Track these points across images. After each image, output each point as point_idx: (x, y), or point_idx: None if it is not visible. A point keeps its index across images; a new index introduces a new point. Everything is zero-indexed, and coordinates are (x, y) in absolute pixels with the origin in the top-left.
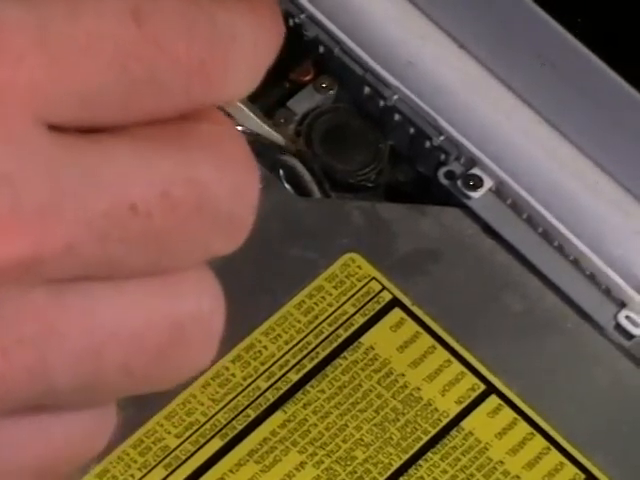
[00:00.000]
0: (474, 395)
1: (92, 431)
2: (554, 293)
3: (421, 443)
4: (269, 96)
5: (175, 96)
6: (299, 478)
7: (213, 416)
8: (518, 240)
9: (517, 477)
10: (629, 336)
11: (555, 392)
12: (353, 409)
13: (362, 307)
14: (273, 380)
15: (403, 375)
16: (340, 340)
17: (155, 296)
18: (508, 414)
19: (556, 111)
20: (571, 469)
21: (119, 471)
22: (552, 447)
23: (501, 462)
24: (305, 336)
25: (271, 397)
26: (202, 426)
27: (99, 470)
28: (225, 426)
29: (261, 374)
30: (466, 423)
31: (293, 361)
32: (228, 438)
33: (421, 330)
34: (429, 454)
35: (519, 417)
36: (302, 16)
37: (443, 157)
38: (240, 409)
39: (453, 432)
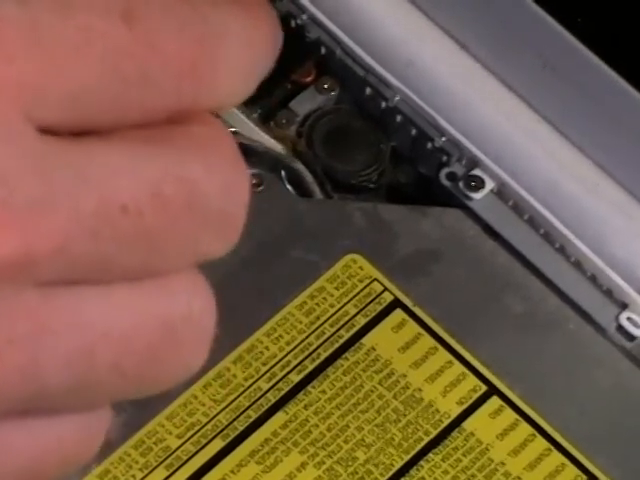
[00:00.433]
0: (475, 396)
1: (85, 435)
2: (555, 294)
3: (422, 444)
4: (271, 97)
5: (166, 96)
6: (300, 479)
7: (214, 417)
8: (519, 241)
9: (518, 478)
10: (631, 337)
11: (556, 393)
12: (354, 410)
13: (363, 308)
14: (274, 381)
15: (404, 376)
16: (341, 341)
17: (146, 297)
18: (509, 415)
19: (557, 112)
20: (572, 470)
21: (120, 472)
22: (553, 448)
23: (502, 463)
24: (306, 337)
25: (272, 398)
26: (203, 427)
27: (100, 471)
28: (226, 427)
29: (262, 375)
30: (467, 424)
31: (294, 362)
32: (229, 439)
33: (422, 331)
34: (430, 455)
35: (520, 418)
36: (304, 17)
37: (445, 158)
38: (241, 410)
39: (454, 433)
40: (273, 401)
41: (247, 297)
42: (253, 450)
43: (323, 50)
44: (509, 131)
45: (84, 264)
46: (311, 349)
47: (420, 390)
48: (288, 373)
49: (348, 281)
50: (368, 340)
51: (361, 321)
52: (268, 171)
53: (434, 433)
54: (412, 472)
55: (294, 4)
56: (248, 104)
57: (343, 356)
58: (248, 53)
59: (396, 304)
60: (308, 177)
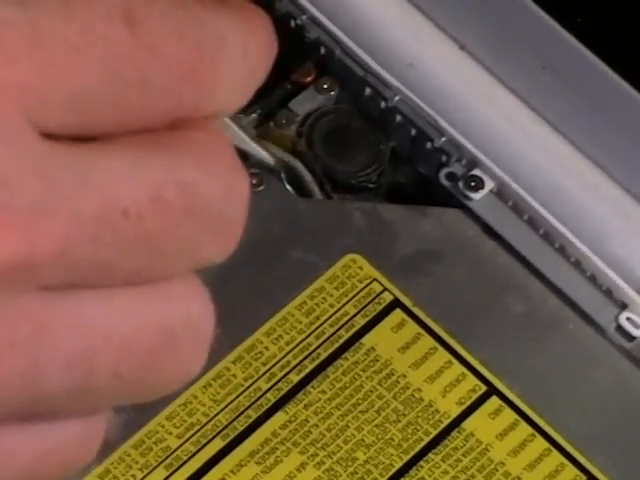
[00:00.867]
0: (475, 396)
1: (84, 438)
2: (555, 295)
3: (422, 444)
4: (270, 97)
5: (167, 100)
6: (300, 479)
7: (214, 417)
8: (519, 241)
9: (518, 478)
10: (630, 338)
11: (556, 393)
12: (354, 410)
13: (363, 308)
14: (274, 381)
15: (404, 376)
16: (341, 341)
17: (146, 302)
18: (509, 415)
19: (557, 112)
20: (572, 470)
21: (120, 472)
22: (553, 448)
23: (502, 463)
24: (306, 337)
25: (272, 398)
26: (203, 427)
27: (100, 471)
28: (226, 427)
29: (262, 375)
30: (467, 424)
31: (294, 362)
32: (229, 439)
33: (422, 331)
34: (430, 455)
35: (520, 418)
36: (304, 17)
37: (444, 158)
38: (241, 410)
39: (454, 433)
40: (273, 401)
41: (247, 297)
42: (253, 450)
43: (323, 50)
44: (509, 131)
45: (85, 268)
46: (311, 349)
47: (420, 390)
48: (288, 373)
49: (348, 281)
50: (368, 340)
51: (361, 321)
52: (268, 171)
53: (434, 433)
54: (412, 472)
55: (294, 4)
56: (247, 104)
57: (343, 356)
58: (246, 59)
59: (396, 304)
60: (308, 177)
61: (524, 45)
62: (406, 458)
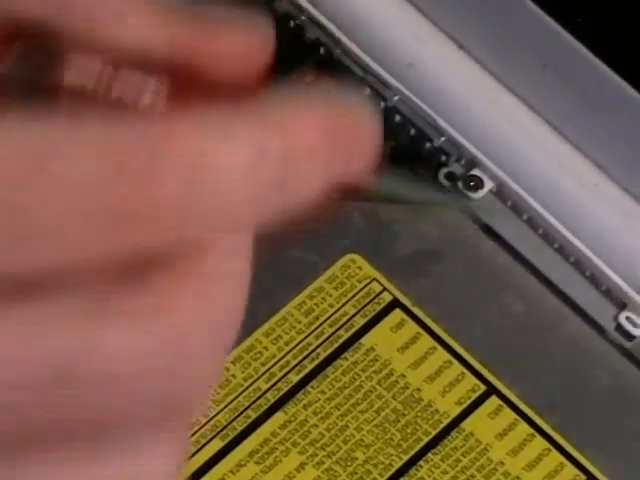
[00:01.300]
0: (474, 396)
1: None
2: (554, 294)
3: (422, 444)
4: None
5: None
6: (300, 479)
7: (213, 417)
8: (518, 241)
9: (517, 478)
10: (630, 337)
11: (555, 393)
12: (354, 410)
13: (362, 308)
14: (274, 381)
15: (404, 376)
16: (341, 341)
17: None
18: (508, 415)
19: (556, 112)
20: (571, 470)
21: None
22: (553, 448)
23: (502, 463)
24: (306, 337)
25: (272, 398)
26: (202, 427)
27: None
28: (225, 427)
29: (262, 375)
30: (466, 424)
31: (294, 362)
32: (229, 439)
33: (422, 331)
34: (430, 455)
35: (519, 418)
36: (303, 18)
37: (444, 158)
38: (240, 410)
39: (453, 433)
40: (272, 401)
41: (246, 297)
42: (252, 450)
43: (322, 50)
44: (508, 131)
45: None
46: (310, 349)
47: (419, 390)
48: (287, 373)
49: (347, 281)
50: (367, 340)
51: (360, 321)
52: None
53: (433, 433)
54: (411, 472)
55: (293, 5)
56: None
57: (342, 356)
58: None
59: (395, 304)
60: None
61: (524, 45)
62: (405, 458)
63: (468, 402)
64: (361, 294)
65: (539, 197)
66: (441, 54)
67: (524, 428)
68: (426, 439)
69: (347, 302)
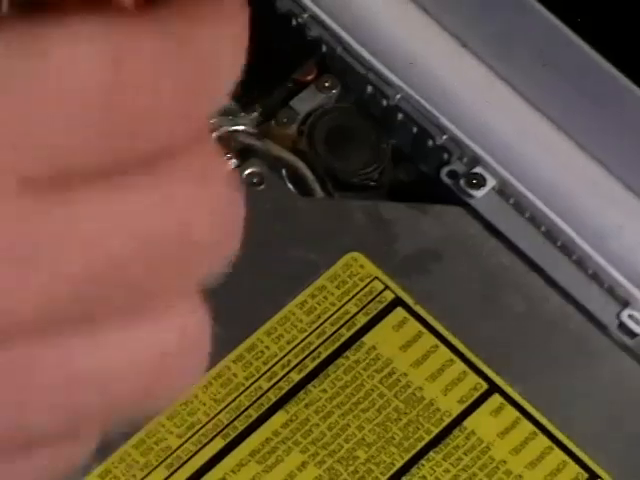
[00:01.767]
0: (476, 394)
1: (74, 456)
2: (557, 292)
3: (423, 442)
4: (272, 96)
5: (157, 141)
6: (301, 478)
7: (215, 416)
8: (521, 239)
9: (520, 476)
10: (632, 335)
11: (558, 391)
12: (355, 409)
13: (364, 307)
14: (275, 380)
15: (405, 374)
16: (342, 340)
17: (135, 332)
18: (511, 413)
19: (558, 109)
20: (574, 468)
21: (121, 471)
22: (555, 446)
23: (504, 461)
24: (307, 336)
25: (273, 397)
26: (204, 426)
27: (101, 470)
28: (227, 426)
29: (263, 374)
30: (468, 422)
31: (295, 361)
32: (230, 438)
33: (423, 329)
34: (431, 453)
35: (522, 416)
36: (305, 16)
37: (446, 156)
38: (242, 409)
39: (455, 431)
40: (274, 400)
41: (247, 296)
42: (254, 449)
43: (324, 48)
44: (510, 129)
45: (68, 317)
46: (312, 348)
47: (421, 389)
48: (289, 372)
49: (349, 280)
50: (369, 339)
51: (362, 320)
52: (269, 170)
53: (435, 432)
54: (413, 471)
55: (295, 3)
56: (249, 103)
57: (344, 355)
58: (235, 61)
59: (397, 302)
60: (309, 176)
61: (525, 43)
62: (407, 457)
63: (470, 400)
64: (363, 293)
65: (541, 195)
66: (443, 52)
67: (526, 426)
68: (428, 438)
69: (349, 301)
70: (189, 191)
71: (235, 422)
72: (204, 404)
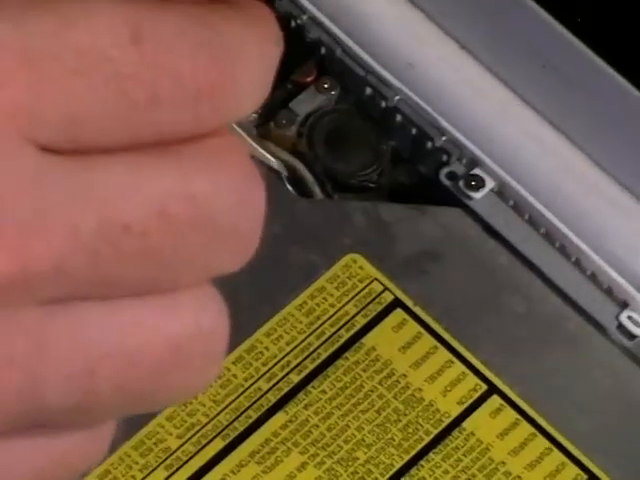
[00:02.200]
0: (476, 395)
1: (89, 447)
2: (556, 294)
3: (423, 444)
4: (271, 97)
5: (182, 118)
6: (300, 479)
7: (214, 417)
8: (520, 241)
9: (519, 477)
10: (631, 336)
11: (557, 392)
12: (355, 410)
13: (364, 308)
14: (274, 381)
15: (405, 376)
16: (342, 341)
17: (151, 315)
18: (510, 414)
19: (557, 111)
20: (573, 469)
21: (120, 472)
22: (554, 447)
23: (503, 463)
24: (307, 337)
25: (272, 398)
26: (203, 427)
27: (100, 471)
28: (226, 427)
29: (262, 375)
30: (468, 424)
31: (295, 362)
32: (229, 439)
33: (423, 331)
34: (431, 455)
35: (521, 417)
36: (304, 17)
37: (445, 158)
38: (241, 410)
39: (455, 433)
40: (273, 401)
41: (247, 297)
42: (253, 450)
43: (323, 50)
44: (509, 130)
45: (84, 283)
46: (311, 349)
47: (420, 390)
48: (288, 373)
49: (348, 281)
50: (368, 340)
51: (361, 321)
52: (268, 171)
53: (434, 433)
54: (412, 472)
55: (294, 4)
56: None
57: (343, 356)
58: (262, 65)
59: (396, 304)
60: (308, 177)
61: (524, 44)
62: (407, 458)
63: (469, 402)
64: (362, 294)
65: (540, 196)
66: (442, 54)
67: (525, 427)
68: (427, 439)
69: (348, 302)
70: (209, 175)
71: (235, 423)
72: (204, 405)
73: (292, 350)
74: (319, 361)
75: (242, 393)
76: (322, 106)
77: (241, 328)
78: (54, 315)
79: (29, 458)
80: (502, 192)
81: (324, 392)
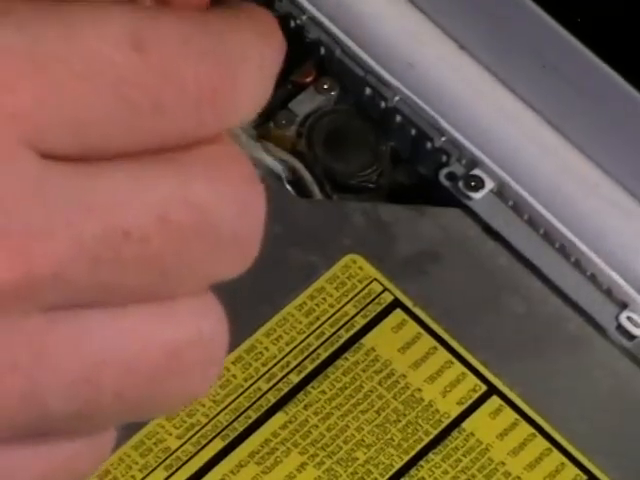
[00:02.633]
0: (475, 396)
1: (91, 453)
2: (555, 294)
3: (422, 444)
4: (271, 98)
5: (184, 124)
6: (300, 479)
7: (214, 417)
8: (519, 241)
9: (518, 478)
10: (631, 337)
11: (556, 393)
12: (354, 410)
13: (363, 308)
14: (274, 381)
15: (404, 376)
16: (341, 341)
17: (152, 322)
18: (509, 415)
19: (557, 112)
20: (572, 470)
21: (120, 472)
22: (553, 448)
23: (502, 463)
24: (306, 337)
25: (272, 398)
26: (203, 427)
27: (100, 471)
28: (226, 427)
29: (262, 375)
30: (467, 424)
31: (294, 362)
32: (229, 439)
33: (422, 331)
34: (430, 455)
35: (520, 418)
36: (303, 18)
37: (444, 158)
38: (241, 410)
39: (454, 433)
40: (273, 401)
41: (247, 297)
42: (253, 451)
43: (323, 51)
44: (509, 131)
45: (86, 289)
46: (311, 349)
47: (420, 390)
48: (288, 373)
49: (348, 281)
50: (368, 340)
51: (361, 321)
52: (267, 171)
53: (434, 433)
54: (412, 472)
55: (294, 4)
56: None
57: (343, 356)
58: (263, 71)
59: (396, 304)
60: (308, 177)
61: (524, 44)
62: (406, 458)
63: (469, 402)
64: (362, 294)
65: (540, 197)
66: (442, 54)
67: (525, 428)
68: (427, 439)
69: (348, 302)
70: (209, 182)
71: (234, 423)
72: (203, 405)
73: (292, 350)
74: (319, 361)
75: (242, 393)
76: (321, 106)
77: (241, 328)
78: (56, 322)
79: (31, 465)
80: (502, 193)
81: (324, 392)
